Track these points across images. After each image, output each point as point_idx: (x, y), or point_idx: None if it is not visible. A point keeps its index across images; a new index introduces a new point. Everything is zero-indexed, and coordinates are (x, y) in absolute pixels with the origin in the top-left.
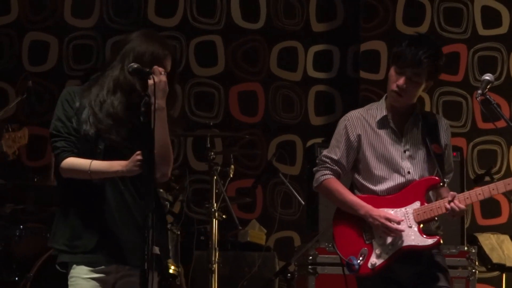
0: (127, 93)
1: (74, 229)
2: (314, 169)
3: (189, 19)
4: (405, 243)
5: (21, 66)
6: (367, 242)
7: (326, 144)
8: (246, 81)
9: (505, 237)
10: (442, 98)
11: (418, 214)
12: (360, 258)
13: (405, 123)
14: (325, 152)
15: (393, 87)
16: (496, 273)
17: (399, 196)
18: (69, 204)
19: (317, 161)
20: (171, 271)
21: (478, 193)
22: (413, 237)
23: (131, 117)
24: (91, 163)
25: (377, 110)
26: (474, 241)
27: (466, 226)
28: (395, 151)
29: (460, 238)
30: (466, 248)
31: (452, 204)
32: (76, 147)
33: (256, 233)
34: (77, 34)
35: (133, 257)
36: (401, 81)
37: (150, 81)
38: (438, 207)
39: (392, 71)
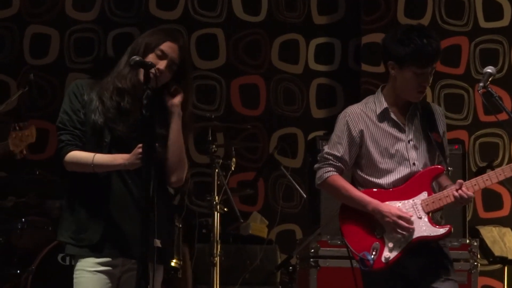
0: (133, 86)
1: (80, 221)
2: (316, 166)
3: (191, 12)
4: (417, 235)
5: (23, 59)
6: (378, 236)
7: (327, 136)
8: (248, 74)
9: (507, 230)
10: (444, 91)
11: (427, 205)
12: (373, 253)
13: (405, 113)
14: (326, 149)
15: (418, 88)
16: (498, 266)
17: (405, 187)
18: (75, 197)
19: (318, 158)
20: (172, 264)
21: (485, 179)
22: (424, 228)
23: (138, 109)
24: (94, 156)
25: (376, 103)
26: (476, 234)
27: (468, 219)
28: (400, 143)
29: (461, 231)
30: (468, 241)
31: (460, 191)
32: (81, 141)
33: (258, 226)
34: (78, 27)
35: (139, 249)
36: (426, 82)
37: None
38: (446, 196)
39: (410, 73)
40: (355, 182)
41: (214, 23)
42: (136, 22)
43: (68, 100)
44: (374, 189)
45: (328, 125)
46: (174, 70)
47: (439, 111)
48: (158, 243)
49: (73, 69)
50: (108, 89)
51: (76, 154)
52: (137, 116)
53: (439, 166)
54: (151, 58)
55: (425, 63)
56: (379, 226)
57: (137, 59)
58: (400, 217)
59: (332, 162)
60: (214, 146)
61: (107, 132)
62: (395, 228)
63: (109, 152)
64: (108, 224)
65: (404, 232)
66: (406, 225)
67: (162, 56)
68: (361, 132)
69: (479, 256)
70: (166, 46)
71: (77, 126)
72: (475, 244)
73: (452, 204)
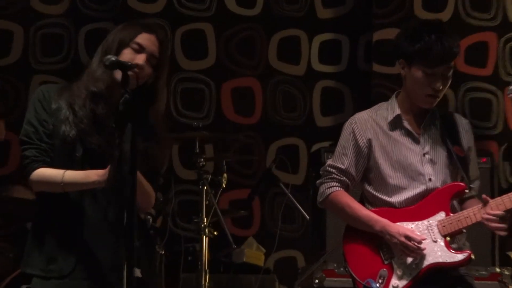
0: (108, 90)
1: (49, 251)
2: (318, 181)
3: (175, 4)
4: (431, 261)
5: None
6: (385, 262)
7: (333, 148)
8: (241, 75)
9: None
10: (469, 95)
11: (444, 226)
12: (380, 281)
13: (422, 122)
14: (329, 161)
15: (428, 91)
16: None
17: (420, 207)
18: (44, 221)
19: (321, 172)
20: None
21: None
22: (439, 253)
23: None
24: (64, 173)
25: (388, 110)
26: (507, 262)
27: (497, 244)
28: (413, 156)
29: (490, 257)
30: (498, 270)
31: (484, 211)
32: (48, 156)
33: (253, 253)
34: (45, 22)
35: (115, 281)
36: (438, 83)
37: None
38: (467, 217)
39: (419, 73)
40: (364, 199)
41: (203, 17)
42: (112, 16)
43: (33, 109)
44: (384, 208)
45: (334, 135)
46: (155, 65)
47: (464, 123)
48: (138, 272)
49: (39, 71)
50: (79, 96)
51: (44, 172)
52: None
53: (461, 183)
54: (127, 53)
55: (434, 63)
56: (387, 250)
57: (113, 58)
58: (408, 238)
59: (335, 176)
60: (202, 159)
61: (79, 145)
62: (403, 250)
63: (82, 167)
64: (81, 252)
65: (413, 255)
66: (415, 246)
67: (139, 49)
68: (369, 141)
69: (510, 287)
70: (143, 38)
71: (43, 139)
72: (506, 273)
73: (477, 226)
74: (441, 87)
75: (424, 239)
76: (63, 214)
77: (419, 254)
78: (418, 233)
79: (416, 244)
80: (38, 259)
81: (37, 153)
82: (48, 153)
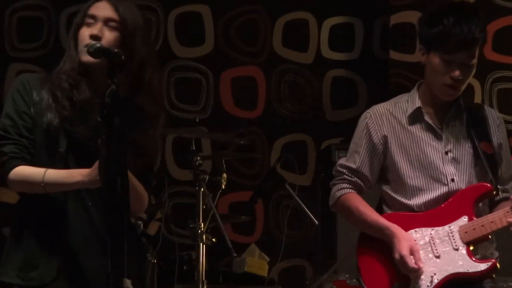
0: (90, 78)
1: (29, 256)
2: (331, 183)
3: None
4: (451, 271)
5: None
6: (402, 273)
7: (345, 145)
8: (242, 64)
9: None
10: (497, 85)
11: (466, 233)
12: None
13: (445, 116)
14: (342, 160)
15: (446, 80)
16: None
17: (441, 210)
18: (23, 226)
19: (333, 172)
20: None
21: None
22: (461, 262)
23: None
24: (45, 172)
25: (408, 102)
26: None
27: None
28: (435, 153)
29: None
30: None
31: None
32: (29, 152)
33: (255, 262)
34: (22, 4)
35: None
36: (457, 71)
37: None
38: (492, 222)
39: (436, 59)
40: (382, 202)
41: None
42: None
43: (11, 101)
44: (400, 213)
45: (347, 130)
46: (117, 27)
47: (495, 117)
48: (128, 283)
49: (16, 59)
50: (60, 83)
51: (23, 171)
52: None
53: (487, 184)
54: (83, 32)
55: (451, 48)
56: None
57: (98, 45)
58: (402, 257)
59: (346, 176)
60: (199, 158)
61: (63, 137)
62: (401, 267)
63: (65, 164)
64: (64, 259)
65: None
66: (411, 266)
67: (93, 22)
68: (385, 138)
69: None
70: (93, 8)
71: (23, 133)
72: None
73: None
74: (461, 77)
75: (419, 264)
76: (44, 217)
77: (414, 274)
78: (417, 253)
79: (412, 263)
80: (16, 266)
81: (16, 149)
82: (28, 149)
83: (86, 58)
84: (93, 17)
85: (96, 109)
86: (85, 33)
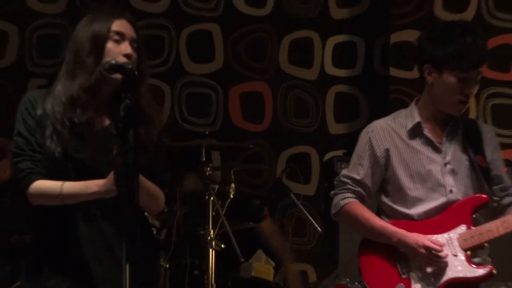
0: (86, 92)
1: (47, 273)
2: (332, 192)
3: (180, 4)
4: (451, 275)
5: None
6: (403, 276)
7: (347, 157)
8: (250, 80)
9: None
10: (491, 101)
11: (464, 240)
12: None
13: (443, 131)
14: (344, 171)
15: (461, 97)
16: None
17: (440, 219)
18: (41, 237)
19: (335, 182)
20: None
21: None
22: (460, 268)
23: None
24: (62, 185)
25: (407, 117)
26: None
27: None
28: (434, 166)
29: None
30: None
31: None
32: (43, 166)
33: (262, 267)
34: (42, 22)
35: None
36: (472, 87)
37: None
38: (489, 230)
39: (452, 78)
40: (380, 212)
41: (209, 17)
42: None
43: (21, 119)
44: (402, 221)
45: (349, 143)
46: (136, 48)
47: (488, 131)
48: None
49: (36, 74)
50: (59, 103)
51: (42, 185)
52: (108, 133)
53: (483, 195)
54: (111, 48)
55: (470, 66)
56: (405, 264)
57: (113, 62)
58: (427, 247)
59: (350, 186)
60: (208, 168)
61: (70, 165)
62: (424, 260)
63: (77, 179)
64: (78, 269)
65: (436, 264)
66: (438, 253)
67: (120, 38)
68: (387, 151)
69: None
70: (118, 26)
71: (36, 149)
72: None
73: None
74: (474, 92)
75: (443, 245)
76: (59, 231)
77: (442, 262)
78: (434, 239)
79: (437, 253)
80: (37, 276)
81: (32, 165)
82: (42, 163)
83: (114, 74)
84: (121, 34)
85: (101, 131)
86: (115, 50)
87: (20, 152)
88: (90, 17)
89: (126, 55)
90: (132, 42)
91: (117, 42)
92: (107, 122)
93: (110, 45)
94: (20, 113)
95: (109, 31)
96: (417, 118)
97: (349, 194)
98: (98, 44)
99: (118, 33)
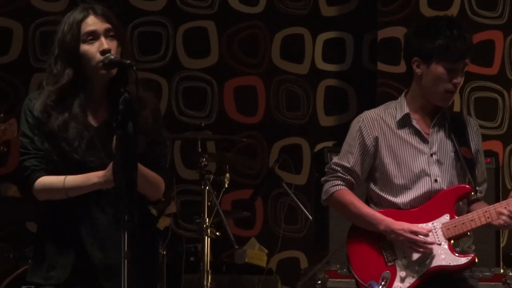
0: (85, 92)
1: (51, 257)
2: (323, 179)
3: (177, 2)
4: (435, 263)
5: None
6: (389, 264)
7: (337, 148)
8: (244, 74)
9: None
10: (474, 94)
11: (448, 229)
12: (382, 283)
13: (431, 122)
14: (335, 159)
15: (448, 87)
16: None
17: (424, 208)
18: (45, 229)
19: (326, 169)
20: None
21: None
22: (443, 256)
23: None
24: (65, 179)
25: (397, 109)
26: (511, 263)
27: (502, 244)
28: (420, 155)
29: (495, 259)
30: (502, 271)
31: (490, 214)
32: (47, 162)
33: (255, 253)
34: (45, 19)
35: (112, 286)
36: (459, 78)
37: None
38: (472, 220)
39: (440, 69)
40: (369, 200)
41: (205, 15)
42: (116, 13)
43: (24, 120)
44: (388, 210)
45: (338, 134)
46: (114, 35)
47: (473, 124)
48: None
49: (39, 69)
50: (47, 107)
51: (45, 180)
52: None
53: (467, 185)
54: (88, 49)
55: (457, 57)
56: (391, 252)
57: (112, 57)
58: (415, 233)
59: (340, 174)
60: (204, 159)
61: (71, 164)
62: (411, 246)
63: (79, 172)
64: (78, 258)
65: (421, 250)
66: (423, 239)
67: (94, 37)
68: (376, 139)
69: None
70: (88, 25)
71: (40, 147)
72: (511, 274)
73: (482, 228)
74: (461, 82)
75: (430, 231)
76: (60, 223)
77: (427, 249)
78: (420, 226)
79: (423, 238)
80: (40, 267)
81: (36, 162)
82: (46, 159)
83: (105, 71)
84: (92, 33)
85: (100, 127)
86: (91, 50)
87: (25, 151)
88: (61, 26)
89: (103, 51)
90: (107, 33)
91: (92, 40)
92: (105, 116)
93: (85, 47)
94: (23, 114)
95: (79, 37)
96: (406, 109)
97: (339, 182)
98: (73, 46)
99: (89, 33)
